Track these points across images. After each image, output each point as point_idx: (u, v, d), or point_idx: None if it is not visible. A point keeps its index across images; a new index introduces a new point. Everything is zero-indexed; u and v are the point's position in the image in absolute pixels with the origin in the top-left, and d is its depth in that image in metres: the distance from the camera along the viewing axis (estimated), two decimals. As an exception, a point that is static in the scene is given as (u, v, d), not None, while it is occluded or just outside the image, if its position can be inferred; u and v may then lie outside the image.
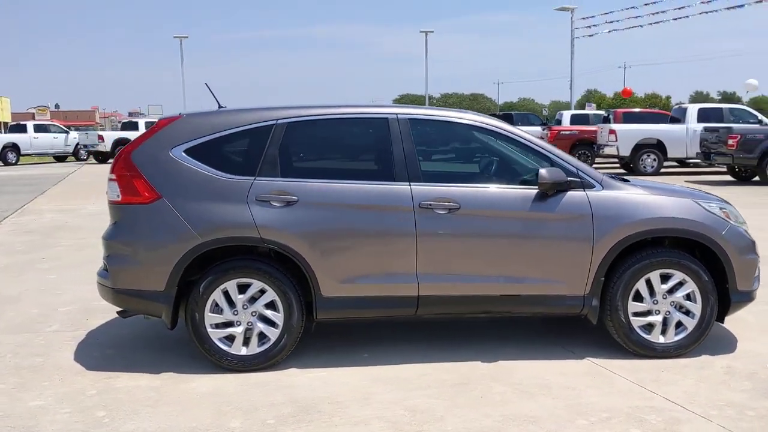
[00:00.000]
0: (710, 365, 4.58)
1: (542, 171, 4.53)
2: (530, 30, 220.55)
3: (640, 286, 4.66)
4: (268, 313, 4.56)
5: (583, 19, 33.88)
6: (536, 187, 4.61)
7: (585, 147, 23.96)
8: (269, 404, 4.03)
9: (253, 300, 4.55)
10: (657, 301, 4.68)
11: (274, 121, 4.67)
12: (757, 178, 17.50)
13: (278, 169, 4.60)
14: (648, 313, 4.69)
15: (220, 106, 5.13)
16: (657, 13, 29.27)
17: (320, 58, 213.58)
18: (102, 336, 5.41)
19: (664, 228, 4.63)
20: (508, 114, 31.14)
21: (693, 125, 20.56)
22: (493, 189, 4.66)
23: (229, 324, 4.56)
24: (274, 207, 4.50)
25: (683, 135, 20.69)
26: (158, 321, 4.97)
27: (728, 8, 26.98)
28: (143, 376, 4.52)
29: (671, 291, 4.69)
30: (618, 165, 22.62)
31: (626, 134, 20.94)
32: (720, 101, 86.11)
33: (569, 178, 4.61)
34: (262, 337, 4.57)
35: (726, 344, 4.96)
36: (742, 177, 18.34)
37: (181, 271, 4.48)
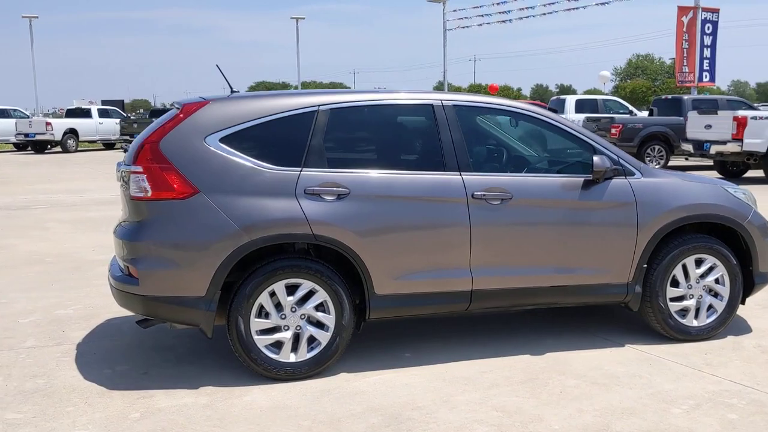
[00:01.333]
0: (741, 345, 4.75)
1: (596, 159, 4.48)
2: (387, 20, 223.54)
3: (677, 271, 4.75)
4: (319, 315, 4.21)
5: (454, 11, 34.67)
6: (581, 175, 4.56)
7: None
8: (350, 415, 3.71)
9: (301, 302, 4.18)
10: (691, 285, 4.79)
11: (316, 107, 4.30)
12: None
13: (325, 159, 4.24)
14: (683, 297, 4.79)
15: (233, 91, 4.68)
16: (525, 8, 30.53)
17: (163, 42, 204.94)
18: (96, 349, 4.78)
19: (702, 214, 4.74)
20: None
21: (572, 116, 21.62)
22: (542, 178, 4.56)
23: (275, 329, 4.17)
24: (325, 200, 4.14)
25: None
26: (150, 329, 4.52)
27: (597, 4, 28.54)
28: (182, 392, 4.03)
29: (703, 275, 4.81)
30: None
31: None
32: (558, 93, 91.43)
33: (614, 166, 4.60)
34: (311, 341, 4.22)
35: (737, 323, 5.17)
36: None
37: (226, 274, 4.03)
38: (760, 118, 14.88)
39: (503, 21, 31.70)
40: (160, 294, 4.03)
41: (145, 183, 4.04)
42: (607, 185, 4.58)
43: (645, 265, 4.66)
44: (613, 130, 18.21)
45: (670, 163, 18.58)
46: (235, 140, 4.15)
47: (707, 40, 23.73)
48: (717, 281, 4.84)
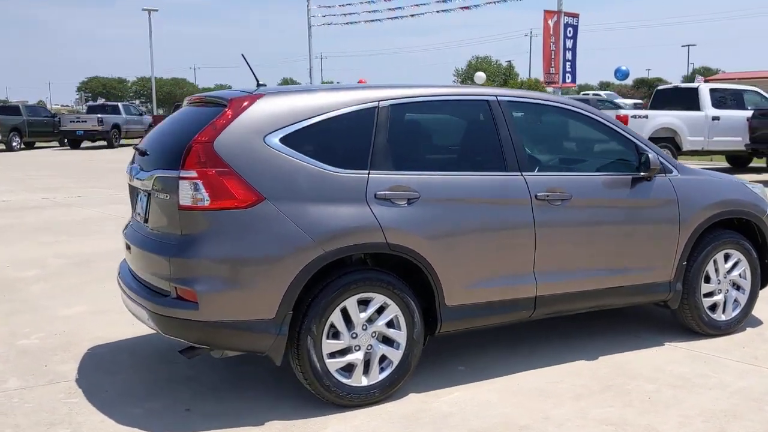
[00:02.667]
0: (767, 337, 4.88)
1: (651, 156, 4.40)
2: (228, 15, 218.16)
3: (709, 267, 4.79)
4: (391, 332, 3.81)
5: (320, 7, 34.31)
6: (628, 173, 4.48)
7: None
8: (460, 441, 3.37)
9: (372, 318, 3.77)
10: (720, 280, 4.86)
11: (376, 103, 3.88)
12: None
13: (390, 160, 3.84)
14: (713, 293, 4.84)
15: (259, 84, 4.16)
16: (395, 8, 30.74)
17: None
18: (104, 384, 4.08)
19: (732, 210, 4.80)
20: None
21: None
22: (595, 177, 4.42)
23: (346, 350, 3.72)
24: (396, 206, 3.75)
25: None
26: (147, 358, 3.91)
27: (462, 8, 29.27)
28: (248, 430, 3.49)
29: (730, 270, 4.89)
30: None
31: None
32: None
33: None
34: (382, 361, 3.81)
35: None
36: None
37: (298, 292, 3.54)
38: (639, 116, 15.83)
39: (371, 21, 31.79)
40: (224, 318, 3.46)
41: (202, 190, 3.45)
42: (653, 183, 4.52)
43: (684, 263, 4.65)
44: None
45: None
46: (296, 140, 3.65)
47: (569, 44, 25.02)
48: (740, 275, 4.94)
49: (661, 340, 4.77)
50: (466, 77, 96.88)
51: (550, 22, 24.63)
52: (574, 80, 25.41)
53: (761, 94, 17.45)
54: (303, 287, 3.54)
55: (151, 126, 31.93)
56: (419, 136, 4.18)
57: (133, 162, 4.20)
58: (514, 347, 4.65)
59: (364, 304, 3.73)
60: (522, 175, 4.13)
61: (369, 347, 3.76)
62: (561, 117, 4.54)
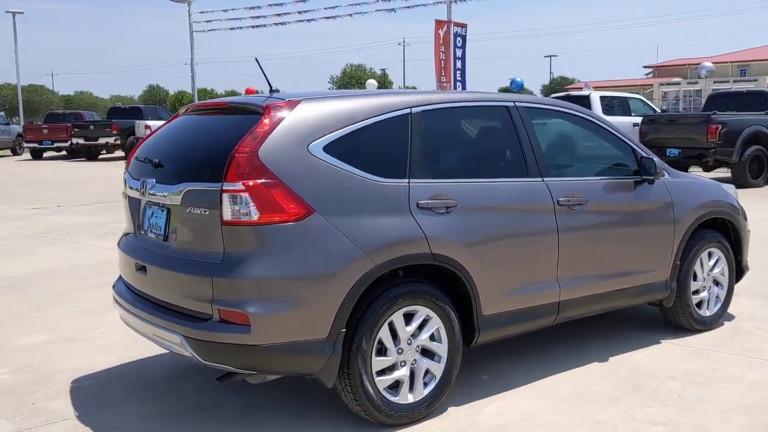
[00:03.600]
0: (746, 329, 5.11)
1: (657, 161, 4.53)
2: (80, 22, 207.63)
3: (697, 266, 4.99)
4: (433, 345, 3.68)
5: (202, 12, 33.29)
6: (631, 177, 4.58)
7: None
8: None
9: (416, 332, 3.62)
10: (704, 278, 5.07)
11: (409, 110, 3.75)
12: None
13: (427, 167, 3.72)
14: (699, 290, 5.05)
15: (272, 90, 3.93)
16: (282, 14, 30.32)
17: None
18: (109, 419, 3.71)
19: (716, 210, 5.03)
20: (136, 107, 29.13)
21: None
22: (606, 181, 4.49)
23: (393, 367, 3.56)
24: (437, 215, 3.63)
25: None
26: (143, 384, 3.63)
27: (350, 15, 29.33)
28: (304, 459, 3.26)
29: (712, 268, 5.12)
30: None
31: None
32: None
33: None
34: (425, 375, 3.67)
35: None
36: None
37: (351, 308, 3.34)
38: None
39: (256, 26, 31.21)
40: (278, 341, 3.21)
41: (249, 204, 3.18)
42: (653, 186, 4.65)
43: (678, 262, 4.82)
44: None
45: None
46: (338, 148, 3.46)
47: (458, 53, 25.68)
48: (720, 272, 5.18)
49: (655, 339, 4.91)
50: (341, 85, 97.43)
51: (440, 32, 25.16)
52: (464, 87, 26.08)
53: (644, 101, 18.62)
54: (355, 303, 3.35)
55: (20, 136, 29.79)
56: (450, 143, 4.08)
57: (135, 174, 3.85)
58: (521, 354, 4.62)
59: (408, 317, 3.58)
60: (543, 180, 4.13)
61: (413, 362, 3.61)
62: (569, 122, 4.57)
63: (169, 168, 3.61)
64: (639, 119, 17.07)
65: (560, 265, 4.14)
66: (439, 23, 25.13)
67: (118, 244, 4.10)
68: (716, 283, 5.18)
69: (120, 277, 4.13)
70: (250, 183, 3.19)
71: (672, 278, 4.79)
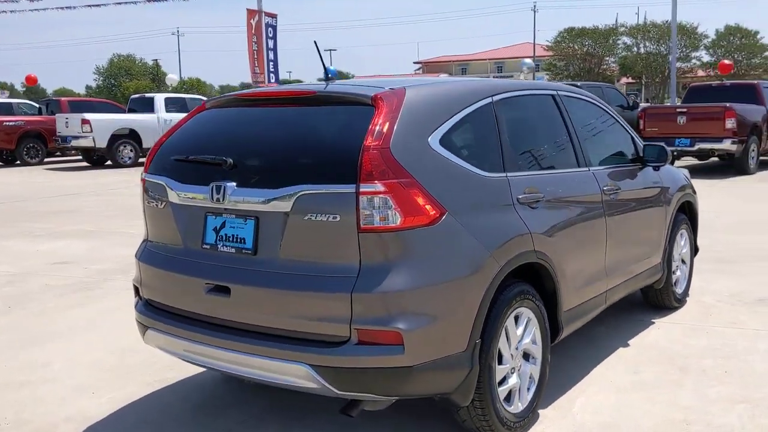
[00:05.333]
0: (707, 303, 5.50)
1: (666, 148, 4.67)
2: None
3: (675, 246, 5.28)
4: (533, 347, 3.50)
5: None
6: (636, 163, 4.70)
7: (34, 140, 21.29)
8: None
9: (521, 335, 3.42)
10: (678, 258, 5.38)
11: (491, 98, 3.51)
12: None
13: (515, 159, 3.51)
14: (676, 269, 5.34)
15: (327, 77, 3.52)
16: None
17: None
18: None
19: (687, 193, 5.33)
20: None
21: (163, 114, 20.63)
22: (628, 169, 4.56)
23: (506, 376, 3.32)
24: (531, 209, 3.45)
25: (155, 124, 20.52)
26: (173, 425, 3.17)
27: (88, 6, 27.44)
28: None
29: (683, 247, 5.45)
30: (93, 157, 20.83)
31: (102, 124, 19.62)
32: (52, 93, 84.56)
33: (653, 154, 4.85)
34: (526, 380, 3.49)
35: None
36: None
37: (485, 315, 3.06)
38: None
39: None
40: (429, 359, 2.84)
41: (391, 207, 2.77)
42: (653, 172, 4.82)
43: (667, 244, 5.06)
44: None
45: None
46: (449, 141, 3.14)
47: (270, 43, 25.15)
48: (687, 251, 5.53)
49: (648, 320, 5.11)
50: (108, 75, 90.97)
51: (252, 22, 24.50)
52: (277, 79, 25.61)
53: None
54: (487, 310, 3.08)
55: None
56: (525, 133, 3.87)
57: (186, 177, 3.21)
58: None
59: (516, 320, 3.37)
60: (589, 170, 4.11)
61: (519, 367, 3.41)
62: (589, 110, 4.55)
63: (254, 169, 3.05)
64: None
65: (607, 254, 4.14)
66: (250, 12, 24.43)
67: (146, 260, 3.42)
68: (683, 261, 5.52)
69: (146, 301, 3.45)
70: (391, 183, 2.79)
71: (663, 260, 5.01)
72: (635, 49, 56.92)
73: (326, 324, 2.81)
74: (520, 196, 3.38)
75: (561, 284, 3.63)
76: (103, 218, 10.49)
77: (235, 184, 3.02)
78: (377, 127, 2.87)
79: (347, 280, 2.79)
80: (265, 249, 2.98)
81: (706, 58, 57.03)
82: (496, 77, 53.19)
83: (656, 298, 5.26)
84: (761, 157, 15.70)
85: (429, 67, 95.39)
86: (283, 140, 3.13)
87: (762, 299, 5.56)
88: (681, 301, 5.40)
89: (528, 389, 3.47)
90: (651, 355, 4.41)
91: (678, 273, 5.36)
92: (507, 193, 3.32)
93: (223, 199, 3.03)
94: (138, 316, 3.46)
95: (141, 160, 20.42)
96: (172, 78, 29.89)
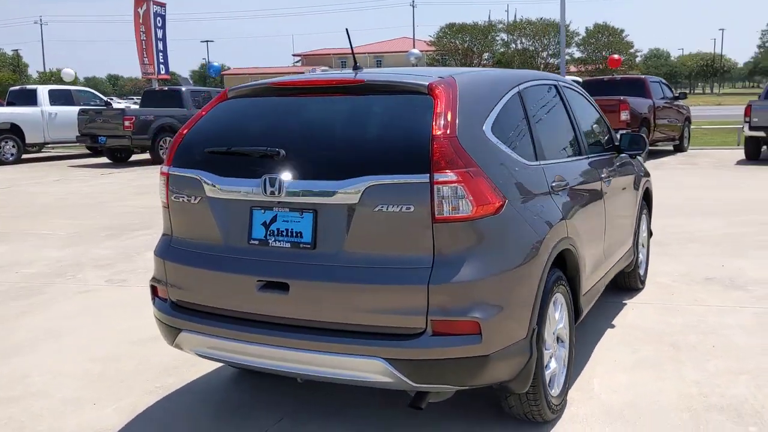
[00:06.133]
0: (664, 283, 5.84)
1: (643, 135, 4.89)
2: None
3: (640, 230, 5.54)
4: (564, 331, 3.58)
5: None
6: (628, 151, 4.87)
7: None
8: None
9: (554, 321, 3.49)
10: (640, 242, 5.66)
11: (518, 87, 3.55)
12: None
13: (543, 148, 3.57)
14: (640, 253, 5.62)
15: (356, 66, 3.46)
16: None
17: None
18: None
19: (647, 179, 5.61)
20: None
21: (47, 107, 19.39)
22: (610, 156, 4.72)
23: (547, 361, 3.38)
24: (560, 196, 3.53)
25: (39, 118, 19.26)
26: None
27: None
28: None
29: (643, 232, 5.73)
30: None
31: (-20, 119, 18.19)
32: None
33: (628, 143, 5.07)
34: (561, 363, 3.56)
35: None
36: (119, 158, 18.60)
37: (540, 302, 3.10)
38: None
39: None
40: (500, 347, 2.85)
41: (464, 196, 2.76)
42: (627, 158, 5.04)
43: (636, 229, 5.31)
44: (127, 123, 17.25)
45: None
46: (497, 129, 3.16)
47: (159, 33, 24.16)
48: (647, 235, 5.83)
49: (620, 301, 5.35)
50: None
51: (140, 11, 23.50)
52: (167, 71, 24.70)
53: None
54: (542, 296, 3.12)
55: None
56: (546, 122, 3.90)
57: (227, 170, 3.05)
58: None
59: (553, 305, 3.43)
60: (589, 157, 4.25)
61: (556, 351, 3.48)
62: (579, 100, 4.65)
63: (311, 160, 2.93)
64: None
65: (605, 239, 4.30)
66: (138, 1, 23.37)
67: (175, 258, 3.22)
68: (643, 245, 5.81)
69: (174, 302, 3.25)
70: (462, 172, 2.77)
71: (634, 244, 5.26)
72: (512, 45, 59.33)
73: (400, 316, 2.76)
74: (553, 184, 3.45)
75: (581, 269, 3.73)
76: (8, 219, 9.74)
77: (290, 176, 2.90)
78: (442, 116, 2.85)
79: (422, 271, 2.74)
80: (325, 243, 2.88)
81: (577, 54, 60.38)
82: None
83: (624, 281, 5.50)
84: (648, 147, 16.81)
85: (308, 59, 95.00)
86: (339, 130, 3.03)
87: (709, 278, 5.94)
88: (644, 282, 5.69)
89: (561, 372, 3.55)
90: (638, 334, 4.62)
91: (641, 256, 5.63)
92: (544, 181, 3.38)
93: (279, 192, 2.89)
94: (165, 318, 3.25)
95: (25, 156, 19.15)
96: (68, 72, 28.26)
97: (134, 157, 19.01)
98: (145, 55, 23.63)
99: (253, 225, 3.01)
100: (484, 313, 2.77)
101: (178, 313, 3.20)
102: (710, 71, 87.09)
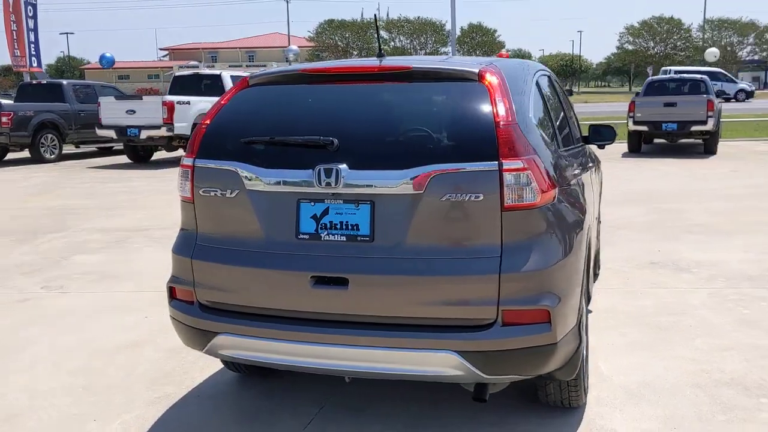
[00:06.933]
0: (617, 269, 6.11)
1: (613, 127, 5.04)
2: None
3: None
4: (585, 316, 3.63)
5: None
6: (600, 142, 5.00)
7: None
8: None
9: (579, 306, 3.55)
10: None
11: (535, 76, 3.59)
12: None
13: (559, 135, 3.64)
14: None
15: (381, 53, 3.38)
16: None
17: None
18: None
19: (601, 169, 5.83)
20: None
21: None
22: (583, 145, 4.83)
23: (578, 345, 3.43)
24: (578, 184, 3.59)
25: None
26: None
27: None
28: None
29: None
30: None
31: None
32: None
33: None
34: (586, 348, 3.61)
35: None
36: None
37: (584, 287, 3.14)
38: (183, 102, 15.68)
39: None
40: (564, 335, 2.85)
41: (531, 183, 2.73)
42: (595, 148, 5.20)
43: (598, 215, 5.50)
44: (5, 119, 16.00)
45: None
46: (535, 116, 3.18)
47: (30, 23, 22.57)
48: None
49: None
50: None
51: (9, 0, 21.83)
52: (39, 63, 23.16)
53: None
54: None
55: None
56: (554, 111, 3.92)
57: (270, 161, 2.87)
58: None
59: (580, 291, 3.49)
60: (576, 146, 4.34)
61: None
62: (558, 89, 4.74)
63: (367, 149, 2.80)
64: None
65: (594, 226, 4.42)
66: (7, -11, 21.72)
67: (206, 257, 2.99)
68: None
69: (204, 304, 3.02)
70: (527, 159, 2.75)
71: (596, 230, 5.45)
72: (392, 43, 60.13)
73: (470, 307, 2.70)
74: (575, 171, 3.50)
75: (592, 253, 3.82)
76: None
77: (347, 166, 2.76)
78: (501, 103, 2.81)
79: (492, 261, 2.70)
80: (384, 234, 2.77)
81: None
82: (249, 66, 53.08)
83: (588, 266, 5.69)
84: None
85: (176, 54, 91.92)
86: (394, 118, 2.92)
87: (654, 262, 6.26)
88: (599, 267, 5.91)
89: (587, 357, 3.61)
90: (620, 318, 4.78)
91: (598, 242, 5.85)
92: (569, 168, 3.42)
93: (336, 183, 2.75)
94: (194, 322, 3.02)
95: None
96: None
97: (10, 156, 17.61)
98: (16, 47, 21.97)
99: (300, 218, 2.85)
100: (552, 301, 2.76)
101: (212, 315, 2.98)
102: (569, 71, 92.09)
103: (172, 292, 3.16)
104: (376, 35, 3.46)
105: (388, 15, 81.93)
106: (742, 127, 21.90)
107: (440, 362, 2.70)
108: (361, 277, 2.75)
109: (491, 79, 2.90)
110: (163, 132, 15.32)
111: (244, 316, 2.92)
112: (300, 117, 3.00)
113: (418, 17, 57.10)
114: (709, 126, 15.47)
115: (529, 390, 3.48)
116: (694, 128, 15.50)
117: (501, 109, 2.78)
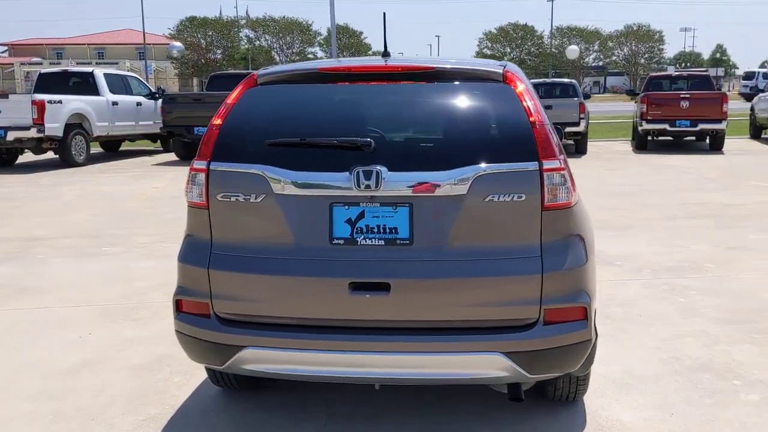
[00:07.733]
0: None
1: (559, 128, 5.21)
2: None
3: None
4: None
5: None
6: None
7: None
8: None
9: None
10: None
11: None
12: None
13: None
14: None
15: (386, 52, 3.34)
16: None
17: None
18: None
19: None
20: None
21: None
22: None
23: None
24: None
25: None
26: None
27: None
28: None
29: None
30: None
31: None
32: None
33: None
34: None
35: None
36: None
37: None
38: (55, 102, 14.65)
39: None
40: (594, 331, 2.91)
41: (566, 183, 2.79)
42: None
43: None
44: None
45: None
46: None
47: None
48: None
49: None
50: None
51: None
52: None
53: (140, 80, 18.32)
54: None
55: None
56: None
57: (300, 164, 2.73)
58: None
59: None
60: None
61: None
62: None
63: (406, 151, 2.74)
64: (141, 99, 17.00)
65: None
66: None
67: (227, 267, 2.80)
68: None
69: (222, 317, 2.83)
70: (563, 159, 2.80)
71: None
72: (257, 42, 59.08)
73: (514, 308, 2.70)
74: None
75: None
76: None
77: (386, 168, 2.68)
78: (529, 104, 2.83)
79: (533, 261, 2.71)
80: (424, 237, 2.71)
81: (320, 54, 61.76)
82: (99, 63, 50.47)
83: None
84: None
85: (17, 50, 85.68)
86: (426, 118, 2.86)
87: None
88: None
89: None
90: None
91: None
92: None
93: (377, 186, 2.66)
94: (213, 337, 2.81)
95: None
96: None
97: None
98: None
99: (334, 223, 2.73)
100: (587, 298, 2.81)
101: (235, 328, 2.79)
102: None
103: (178, 306, 2.93)
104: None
105: (247, 13, 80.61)
106: (599, 128, 23.41)
107: (487, 364, 2.68)
108: (403, 281, 2.68)
109: (516, 80, 2.91)
110: (32, 133, 14.24)
111: (272, 327, 2.76)
112: (326, 117, 2.88)
113: (284, 17, 56.58)
114: (581, 127, 16.44)
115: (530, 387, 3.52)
116: (568, 129, 16.38)
117: (533, 110, 2.80)
